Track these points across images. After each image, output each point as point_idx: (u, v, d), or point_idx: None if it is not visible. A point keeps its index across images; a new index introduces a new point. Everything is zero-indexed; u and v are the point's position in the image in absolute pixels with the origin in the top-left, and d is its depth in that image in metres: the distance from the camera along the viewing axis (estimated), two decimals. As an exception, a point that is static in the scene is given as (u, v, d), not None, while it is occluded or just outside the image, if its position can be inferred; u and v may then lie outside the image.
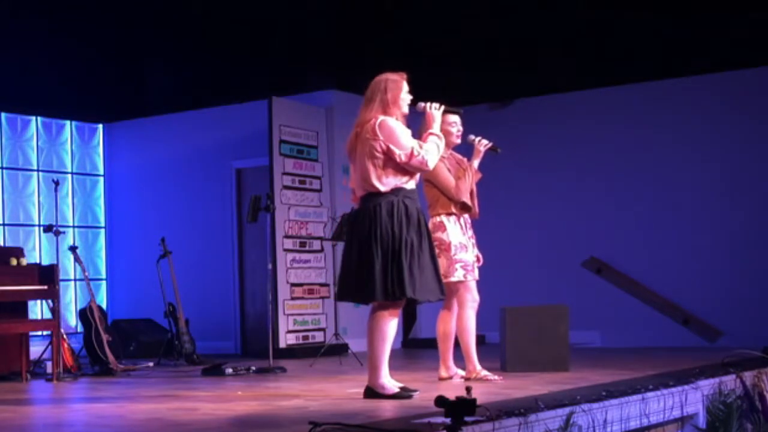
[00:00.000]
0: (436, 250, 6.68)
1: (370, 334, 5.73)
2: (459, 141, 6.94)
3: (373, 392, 5.71)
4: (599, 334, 10.58)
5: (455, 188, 6.77)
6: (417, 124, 6.08)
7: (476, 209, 6.94)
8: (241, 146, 11.04)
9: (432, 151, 5.76)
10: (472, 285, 6.79)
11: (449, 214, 6.79)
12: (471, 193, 6.88)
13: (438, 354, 6.90)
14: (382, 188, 5.66)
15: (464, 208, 6.84)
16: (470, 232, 6.89)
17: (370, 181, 5.68)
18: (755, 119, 10.14)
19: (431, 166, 5.77)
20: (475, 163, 6.92)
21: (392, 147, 5.65)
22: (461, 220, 6.83)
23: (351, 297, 5.84)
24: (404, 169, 5.71)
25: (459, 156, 7.00)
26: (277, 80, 10.16)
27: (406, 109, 5.83)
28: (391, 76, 5.82)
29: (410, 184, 5.77)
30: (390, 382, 5.76)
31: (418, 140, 5.78)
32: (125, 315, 11.30)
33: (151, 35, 8.90)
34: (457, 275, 6.70)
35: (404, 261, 5.58)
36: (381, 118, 5.72)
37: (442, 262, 6.69)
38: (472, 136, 7.00)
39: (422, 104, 6.01)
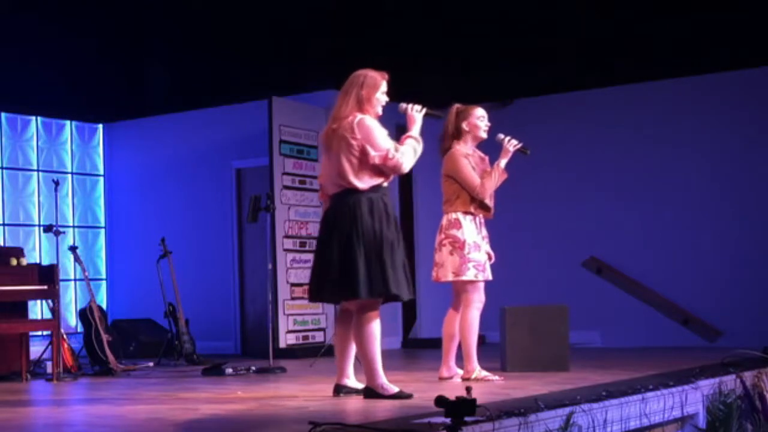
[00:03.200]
0: (450, 248, 6.68)
1: (358, 339, 5.70)
2: (486, 136, 6.91)
3: (372, 392, 5.70)
4: (599, 334, 10.58)
5: (480, 186, 6.71)
6: (389, 122, 6.00)
7: (492, 210, 6.90)
8: (241, 146, 11.04)
9: (408, 154, 5.70)
10: (481, 286, 6.76)
11: (466, 212, 6.75)
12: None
13: (440, 353, 6.89)
14: (361, 185, 5.63)
15: (482, 207, 6.80)
16: (484, 231, 6.85)
17: (348, 179, 5.63)
18: (756, 119, 10.14)
19: (406, 169, 5.71)
20: (503, 162, 6.82)
21: (368, 147, 5.60)
22: (476, 219, 6.80)
23: (330, 296, 5.79)
24: (380, 170, 5.67)
25: (481, 153, 6.96)
26: (277, 80, 10.15)
27: (379, 110, 5.76)
28: (371, 73, 5.76)
29: (385, 183, 5.75)
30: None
31: (395, 142, 5.73)
32: (125, 315, 11.30)
33: (150, 35, 8.90)
34: (469, 274, 6.66)
35: (386, 258, 5.57)
36: (360, 116, 5.66)
37: (454, 259, 6.66)
38: (501, 135, 6.91)
39: (404, 105, 5.94)
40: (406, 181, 11.47)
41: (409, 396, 5.65)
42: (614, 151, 10.82)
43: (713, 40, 9.27)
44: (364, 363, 5.72)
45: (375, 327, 5.67)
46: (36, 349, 8.77)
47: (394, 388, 5.70)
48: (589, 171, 10.92)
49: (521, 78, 10.55)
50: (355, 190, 5.63)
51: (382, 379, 5.71)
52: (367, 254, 5.57)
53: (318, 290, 5.77)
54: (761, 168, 10.08)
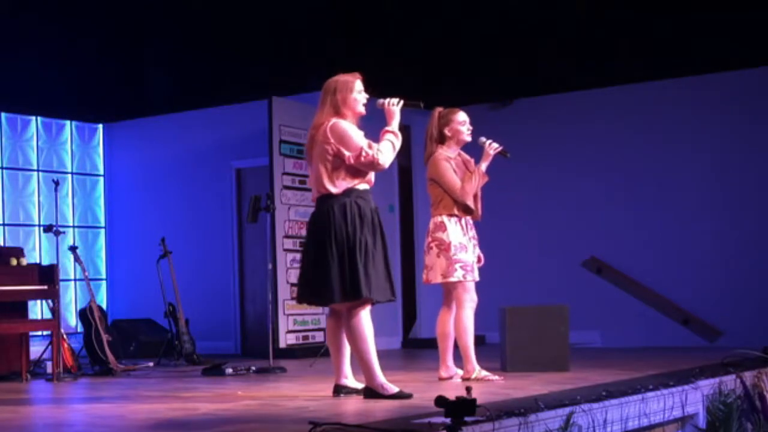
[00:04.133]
0: (437, 250, 6.73)
1: (351, 340, 5.75)
2: (469, 139, 6.92)
3: (372, 392, 5.71)
4: (599, 334, 10.58)
5: (461, 189, 6.75)
6: (375, 122, 6.03)
7: (479, 212, 6.92)
8: (241, 146, 11.04)
9: (386, 149, 5.74)
10: (471, 285, 6.78)
11: (451, 215, 6.79)
12: (475, 196, 6.86)
13: (438, 354, 6.90)
14: (334, 190, 5.70)
15: (466, 210, 6.83)
16: (472, 233, 6.88)
17: (323, 184, 5.72)
18: (755, 119, 10.14)
19: (384, 164, 5.73)
20: (484, 166, 6.86)
21: (341, 149, 5.68)
22: (462, 220, 6.83)
23: (310, 300, 5.90)
24: (357, 171, 5.72)
25: (466, 156, 6.98)
26: (277, 80, 10.16)
27: (360, 109, 5.82)
28: (342, 77, 5.84)
29: (363, 185, 5.79)
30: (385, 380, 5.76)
31: (369, 140, 5.76)
32: (125, 315, 11.30)
33: (151, 35, 8.91)
34: (456, 275, 6.70)
35: (359, 261, 5.61)
36: (333, 120, 5.75)
37: (441, 262, 6.71)
38: (483, 138, 6.96)
39: (381, 101, 5.96)
40: (406, 181, 11.47)
41: (408, 396, 5.65)
42: (614, 151, 10.82)
43: (713, 41, 9.27)
44: (360, 363, 5.74)
45: (365, 326, 5.70)
46: (36, 349, 8.76)
47: (394, 388, 5.71)
48: (589, 171, 10.92)
49: (521, 78, 10.55)
50: (329, 195, 5.72)
51: (381, 378, 5.72)
52: (340, 258, 5.63)
53: (301, 294, 5.90)
54: (761, 168, 10.08)
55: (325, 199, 5.73)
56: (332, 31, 8.87)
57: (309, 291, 5.80)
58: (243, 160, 11.04)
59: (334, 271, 5.62)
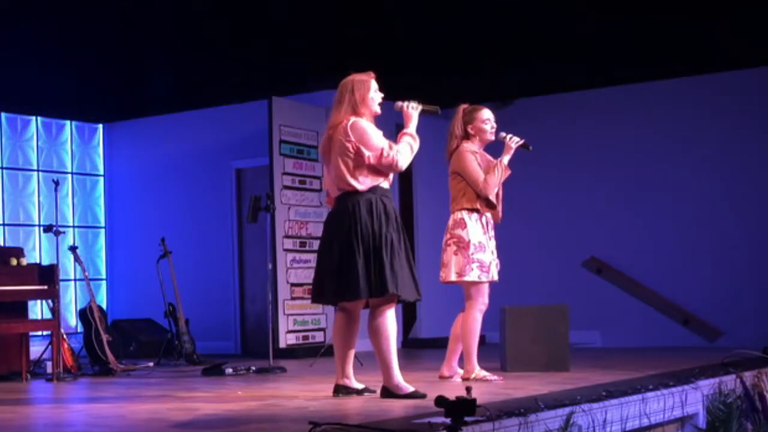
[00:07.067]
0: (454, 248, 6.68)
1: (374, 338, 5.72)
2: (493, 138, 6.91)
3: (389, 392, 5.71)
4: (599, 334, 10.58)
5: (484, 182, 6.71)
6: (388, 122, 6.03)
7: (499, 213, 6.88)
8: (241, 146, 11.04)
9: (404, 151, 5.74)
10: (485, 287, 6.73)
11: (472, 210, 6.71)
12: (497, 196, 6.84)
13: (440, 353, 6.89)
14: (360, 187, 5.68)
15: (489, 205, 6.79)
16: (491, 233, 6.83)
17: (347, 180, 5.68)
18: (756, 119, 10.15)
19: (402, 166, 5.73)
20: (506, 159, 6.82)
21: (362, 148, 5.66)
22: (483, 218, 6.78)
23: (332, 298, 5.78)
24: (378, 169, 5.71)
25: (489, 156, 6.95)
26: (277, 80, 10.15)
27: (376, 109, 5.82)
28: (358, 77, 5.82)
29: (386, 184, 5.78)
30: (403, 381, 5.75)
31: (390, 141, 5.75)
32: (125, 315, 11.30)
33: (150, 35, 8.90)
34: (472, 275, 6.63)
35: (385, 258, 5.59)
36: (353, 119, 5.72)
37: (458, 259, 6.64)
38: (503, 134, 6.93)
39: (399, 103, 5.96)
40: (406, 181, 11.47)
41: (422, 396, 5.62)
42: (614, 151, 10.82)
43: (714, 40, 9.27)
44: (379, 362, 5.74)
45: (390, 326, 5.69)
46: (36, 349, 8.76)
47: (410, 388, 5.70)
48: (589, 171, 10.93)
49: (521, 78, 10.55)
50: (354, 192, 5.68)
51: (398, 378, 5.71)
52: (365, 255, 5.60)
53: (320, 292, 5.81)
54: (761, 168, 10.08)
55: (349, 196, 5.69)
56: (332, 31, 8.87)
57: (331, 288, 5.69)
58: (243, 160, 11.04)
59: (360, 266, 5.57)
